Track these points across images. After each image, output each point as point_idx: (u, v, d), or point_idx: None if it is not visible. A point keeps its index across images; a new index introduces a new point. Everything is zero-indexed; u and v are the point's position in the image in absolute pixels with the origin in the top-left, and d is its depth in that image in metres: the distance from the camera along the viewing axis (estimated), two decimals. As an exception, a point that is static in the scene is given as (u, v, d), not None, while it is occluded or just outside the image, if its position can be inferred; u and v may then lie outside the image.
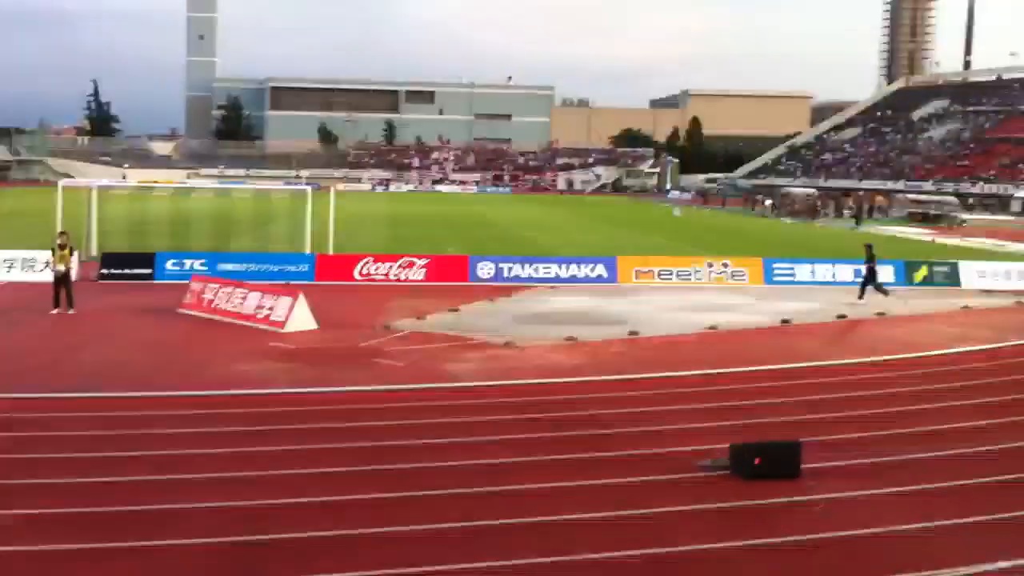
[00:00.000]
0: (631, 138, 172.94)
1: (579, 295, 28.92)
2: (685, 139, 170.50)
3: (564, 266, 32.25)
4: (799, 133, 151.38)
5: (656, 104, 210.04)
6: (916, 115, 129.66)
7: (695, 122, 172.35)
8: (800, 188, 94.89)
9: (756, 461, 12.00)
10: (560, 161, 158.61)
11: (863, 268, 28.87)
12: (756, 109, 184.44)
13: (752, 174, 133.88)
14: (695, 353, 20.68)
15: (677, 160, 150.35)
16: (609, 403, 16.05)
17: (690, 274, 32.14)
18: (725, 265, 32.65)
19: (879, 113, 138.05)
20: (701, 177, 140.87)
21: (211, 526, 10.12)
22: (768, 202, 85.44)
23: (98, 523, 10.22)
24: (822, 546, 9.90)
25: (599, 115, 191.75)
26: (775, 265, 32.99)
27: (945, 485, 11.86)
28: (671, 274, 32.14)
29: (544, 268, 32.06)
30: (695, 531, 10.28)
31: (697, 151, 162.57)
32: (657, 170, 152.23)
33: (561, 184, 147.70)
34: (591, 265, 32.27)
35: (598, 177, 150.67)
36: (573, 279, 31.58)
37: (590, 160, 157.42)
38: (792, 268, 33.01)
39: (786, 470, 12.03)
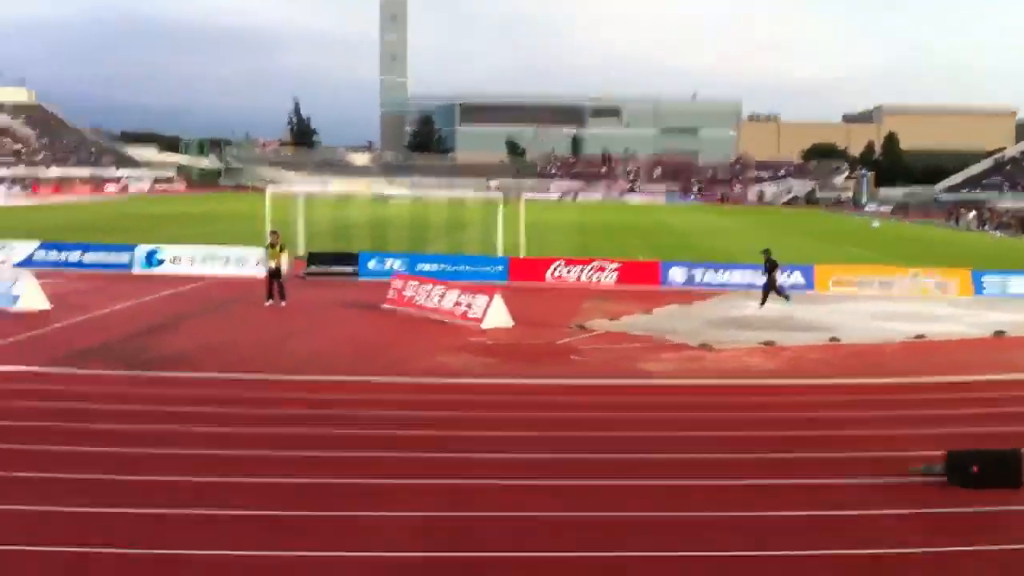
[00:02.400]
0: (822, 152, 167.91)
1: (775, 302, 28.25)
2: (881, 154, 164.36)
3: (758, 272, 31.53)
4: (1004, 149, 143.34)
5: (849, 119, 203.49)
6: None
7: (891, 136, 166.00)
8: (1007, 204, 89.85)
9: (974, 469, 11.48)
10: (750, 174, 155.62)
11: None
12: (956, 125, 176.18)
13: (953, 188, 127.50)
14: (902, 361, 19.88)
15: (872, 173, 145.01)
16: (812, 407, 15.64)
17: (892, 284, 30.94)
18: (930, 276, 31.25)
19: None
20: (900, 191, 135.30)
21: (415, 501, 10.46)
22: (972, 214, 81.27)
23: (308, 494, 10.72)
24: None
25: (788, 129, 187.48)
26: (985, 277, 31.32)
27: None
28: (872, 283, 31.03)
29: (738, 274, 31.52)
30: (913, 535, 9.90)
31: (893, 165, 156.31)
32: (851, 183, 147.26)
33: (752, 196, 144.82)
34: (787, 272, 31.47)
35: (790, 190, 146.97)
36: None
37: (781, 173, 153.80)
38: (1004, 280, 31.27)
39: (1006, 479, 11.44)
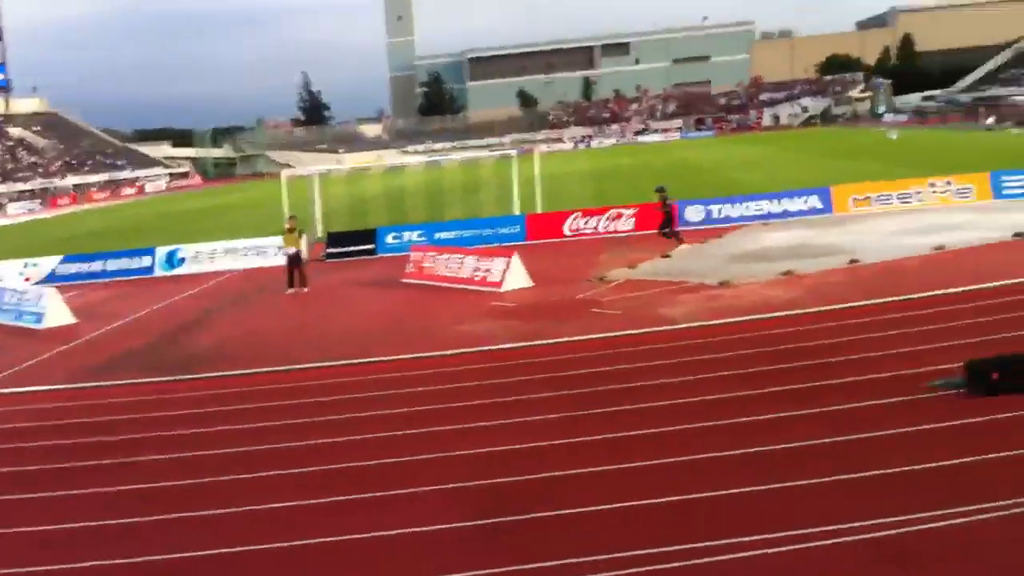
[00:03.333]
0: (838, 64, 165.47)
1: (793, 229, 28.26)
2: (897, 59, 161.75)
3: (775, 201, 31.52)
4: (1022, 38, 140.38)
5: (863, 25, 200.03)
6: None
7: (907, 40, 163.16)
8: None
9: (994, 376, 11.54)
10: (764, 97, 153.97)
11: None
12: (972, 19, 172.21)
13: (973, 87, 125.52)
14: (921, 275, 19.84)
15: (889, 82, 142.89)
16: (833, 332, 15.71)
17: (911, 196, 30.75)
18: (948, 183, 31.01)
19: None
20: (916, 97, 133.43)
21: (457, 473, 10.70)
22: (991, 118, 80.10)
23: (354, 476, 11.00)
24: (1072, 456, 9.47)
25: (802, 45, 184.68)
26: (1004, 178, 31.00)
27: None
28: (890, 198, 30.86)
29: (755, 206, 31.45)
30: (936, 449, 10.00)
31: (910, 70, 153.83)
32: (868, 95, 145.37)
33: (767, 121, 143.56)
34: (804, 197, 31.39)
35: (805, 109, 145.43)
36: (786, 214, 30.88)
37: (795, 92, 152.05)
38: (1023, 180, 30.94)
39: (1027, 383, 11.50)
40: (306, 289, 25.56)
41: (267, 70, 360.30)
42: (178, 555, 9.22)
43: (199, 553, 9.22)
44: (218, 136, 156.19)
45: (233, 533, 9.59)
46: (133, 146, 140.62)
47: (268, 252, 31.42)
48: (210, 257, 32.30)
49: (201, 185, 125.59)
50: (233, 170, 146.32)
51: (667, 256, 25.52)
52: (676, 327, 17.29)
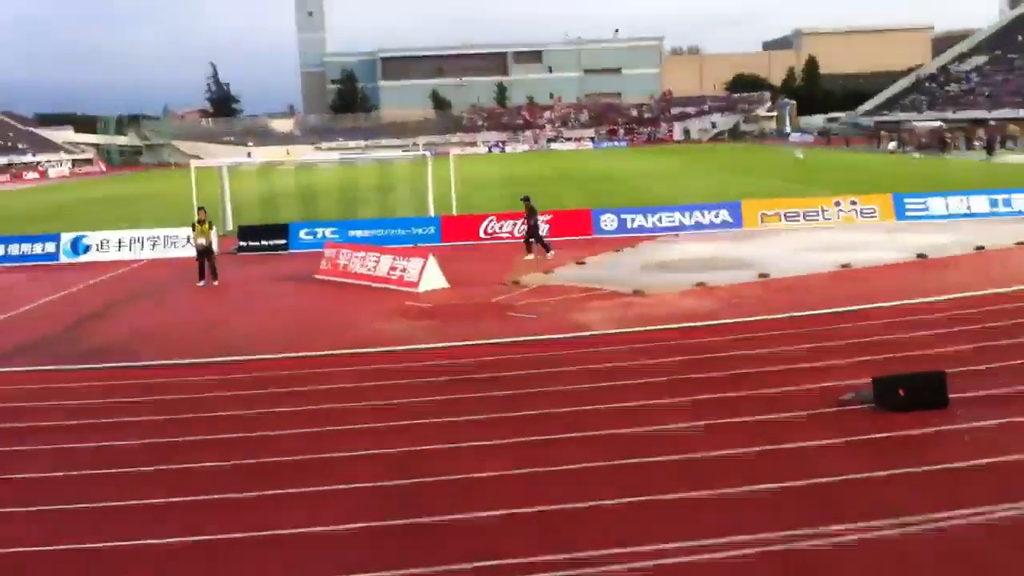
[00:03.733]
0: (745, 83, 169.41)
1: (704, 242, 28.77)
2: (802, 80, 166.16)
3: (687, 214, 32.04)
4: (920, 66, 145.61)
5: (769, 46, 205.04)
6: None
7: (811, 62, 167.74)
8: (926, 122, 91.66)
9: (900, 392, 11.91)
10: (675, 111, 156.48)
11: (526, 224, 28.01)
12: (873, 44, 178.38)
13: (874, 111, 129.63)
14: (830, 291, 20.38)
15: (794, 102, 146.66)
16: (745, 344, 16.02)
17: (818, 214, 31.59)
18: (854, 203, 31.95)
19: (1005, 39, 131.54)
20: (821, 118, 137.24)
21: (367, 472, 10.59)
22: (893, 143, 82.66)
23: (261, 473, 10.81)
24: (973, 472, 9.81)
25: (711, 62, 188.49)
26: (906, 200, 32.11)
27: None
28: (798, 215, 31.66)
29: (667, 217, 31.93)
30: (844, 462, 10.25)
31: (815, 91, 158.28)
32: (775, 114, 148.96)
33: (677, 134, 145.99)
34: (715, 211, 32.00)
35: (714, 125, 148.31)
36: (698, 226, 31.41)
37: (705, 108, 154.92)
38: (924, 202, 32.08)
39: (932, 400, 11.89)
40: (216, 282, 25.10)
41: (174, 58, 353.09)
42: (50, 548, 8.96)
43: (82, 546, 8.98)
44: (123, 123, 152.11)
45: (129, 527, 9.34)
46: (35, 130, 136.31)
47: (177, 243, 30.79)
48: (117, 245, 31.49)
49: (106, 172, 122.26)
50: (138, 158, 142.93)
51: (582, 263, 25.74)
52: (591, 333, 17.44)
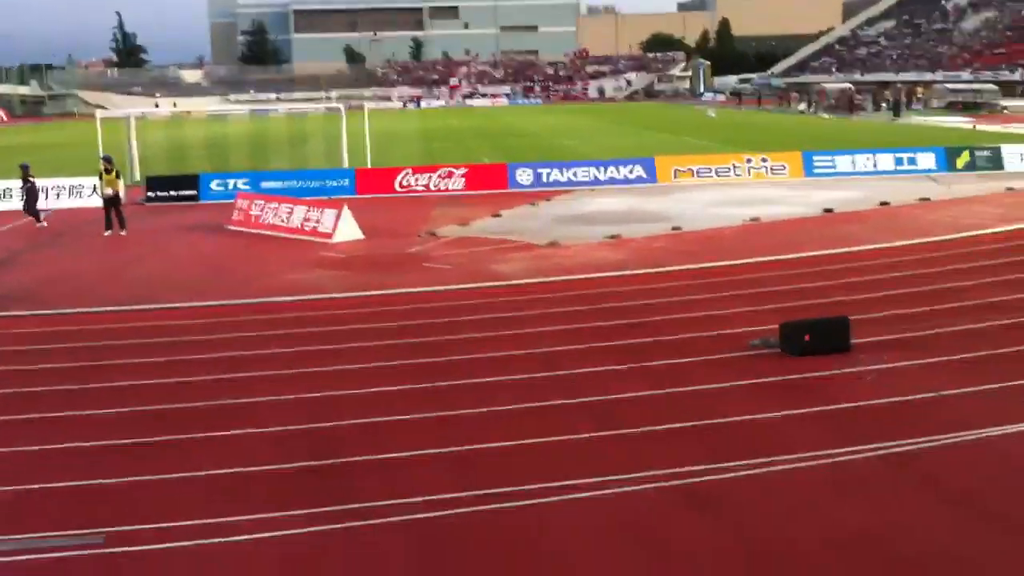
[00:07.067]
0: (661, 43, 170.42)
1: (619, 196, 29.05)
2: (715, 41, 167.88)
3: (603, 169, 32.24)
4: (832, 29, 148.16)
5: (684, 7, 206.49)
6: (950, 4, 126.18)
7: (725, 23, 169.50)
8: (835, 84, 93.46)
9: (806, 338, 12.24)
10: (590, 69, 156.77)
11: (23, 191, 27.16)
12: (787, 7, 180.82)
13: (786, 72, 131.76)
14: (739, 244, 20.79)
15: (709, 63, 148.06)
16: (657, 293, 16.29)
17: (729, 170, 32.07)
18: (764, 160, 32.52)
19: (912, 4, 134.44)
20: (734, 78, 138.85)
21: (279, 417, 10.55)
22: (802, 104, 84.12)
23: (174, 418, 10.69)
24: (874, 411, 10.17)
25: (627, 21, 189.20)
26: (815, 158, 32.78)
27: (994, 352, 12.02)
28: (710, 171, 32.10)
29: (583, 172, 32.09)
30: (748, 403, 10.52)
31: (728, 53, 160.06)
32: (689, 74, 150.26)
33: (592, 92, 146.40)
34: (630, 166, 32.25)
35: (629, 83, 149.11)
36: (612, 181, 31.64)
37: (620, 67, 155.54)
38: (832, 160, 32.79)
39: (836, 345, 12.26)
40: (124, 232, 24.54)
41: (77, 7, 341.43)
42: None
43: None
44: (25, 73, 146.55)
45: (31, 474, 9.18)
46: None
47: (83, 192, 29.97)
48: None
49: (7, 122, 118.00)
50: (42, 108, 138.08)
51: (497, 216, 25.78)
52: (507, 283, 17.54)
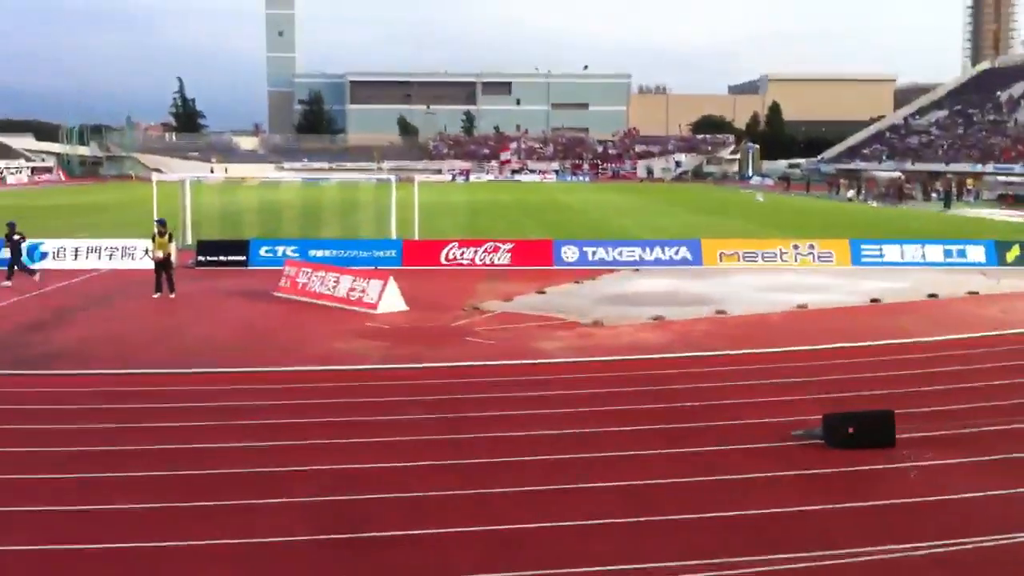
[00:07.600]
0: (710, 124, 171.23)
1: (664, 277, 28.99)
2: (765, 124, 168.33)
3: (648, 249, 32.26)
4: (883, 116, 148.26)
5: (735, 90, 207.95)
6: (1003, 96, 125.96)
7: (775, 107, 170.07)
8: (885, 172, 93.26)
9: (849, 430, 12.09)
10: (639, 149, 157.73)
11: (12, 249, 27.84)
12: (838, 93, 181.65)
13: (836, 158, 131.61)
14: (785, 330, 20.65)
15: (758, 146, 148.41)
16: (700, 378, 16.20)
17: (776, 255, 31.96)
18: (811, 247, 32.36)
19: (965, 95, 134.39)
20: (783, 162, 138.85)
21: (311, 487, 10.55)
22: (851, 191, 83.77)
23: (207, 484, 10.73)
24: (918, 509, 9.98)
25: (677, 102, 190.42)
26: (863, 246, 32.57)
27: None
28: (756, 256, 32.00)
29: (628, 251, 32.12)
30: (790, 495, 10.39)
31: (778, 136, 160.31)
32: (738, 156, 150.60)
33: (641, 172, 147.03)
34: (675, 248, 32.25)
35: (678, 164, 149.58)
36: (657, 261, 31.62)
37: (669, 147, 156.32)
38: (880, 249, 32.55)
39: (880, 439, 12.08)
40: (173, 295, 24.89)
41: (139, 71, 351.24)
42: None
43: (18, 548, 8.88)
44: (85, 133, 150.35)
45: (64, 533, 9.23)
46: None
47: (135, 254, 30.52)
48: (74, 254, 31.12)
49: (66, 182, 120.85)
50: (99, 169, 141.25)
51: (542, 292, 25.85)
52: (550, 361, 17.52)
